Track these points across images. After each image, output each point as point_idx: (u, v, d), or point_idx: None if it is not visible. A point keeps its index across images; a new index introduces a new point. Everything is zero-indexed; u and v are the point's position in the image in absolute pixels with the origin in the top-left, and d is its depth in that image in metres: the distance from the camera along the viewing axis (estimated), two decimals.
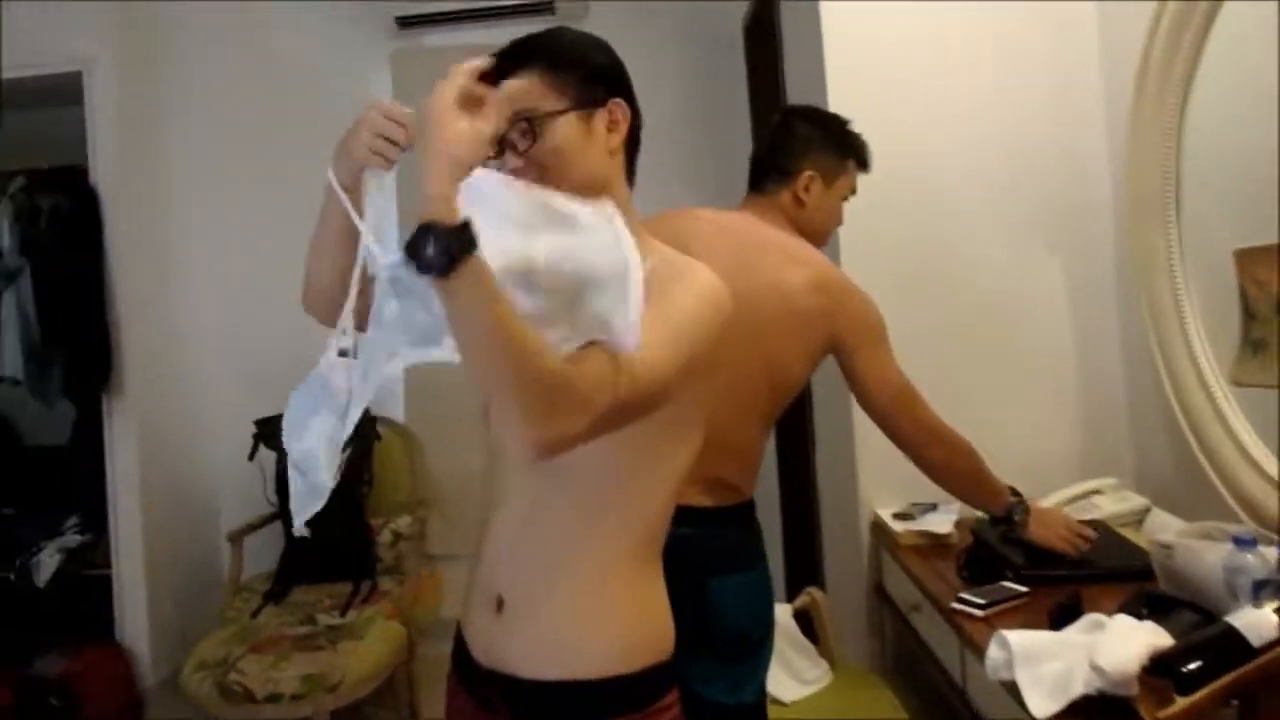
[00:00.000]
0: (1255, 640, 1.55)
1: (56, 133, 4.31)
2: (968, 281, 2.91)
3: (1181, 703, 1.49)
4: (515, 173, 1.42)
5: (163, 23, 4.56)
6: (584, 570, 1.43)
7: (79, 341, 4.04)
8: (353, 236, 1.37)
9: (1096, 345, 2.91)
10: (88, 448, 4.26)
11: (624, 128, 1.48)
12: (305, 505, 1.41)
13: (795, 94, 3.49)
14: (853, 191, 2.39)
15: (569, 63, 1.45)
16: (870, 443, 2.84)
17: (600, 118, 1.45)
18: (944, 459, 2.29)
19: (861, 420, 2.80)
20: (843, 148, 2.35)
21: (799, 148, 2.32)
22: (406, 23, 4.60)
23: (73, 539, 4.32)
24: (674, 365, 1.33)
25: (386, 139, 1.36)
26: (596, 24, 4.40)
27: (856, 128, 2.39)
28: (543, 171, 1.41)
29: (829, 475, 3.41)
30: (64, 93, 4.17)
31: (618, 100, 1.47)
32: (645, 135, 1.53)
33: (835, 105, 2.86)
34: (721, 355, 1.42)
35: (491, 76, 1.39)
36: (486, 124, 1.23)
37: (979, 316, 2.92)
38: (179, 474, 4.46)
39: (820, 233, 2.34)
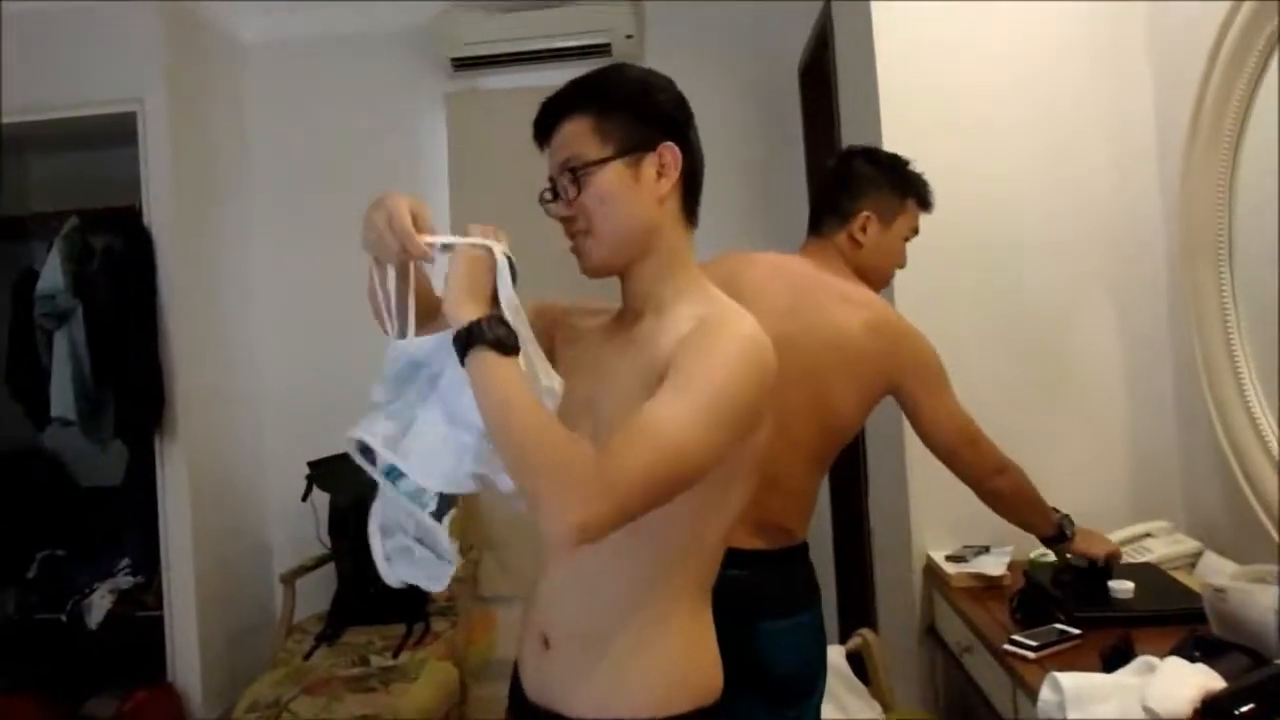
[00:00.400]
0: None
1: (110, 173, 4.38)
2: (1022, 324, 2.95)
3: None
4: (564, 220, 1.48)
5: (216, 63, 4.63)
6: (631, 612, 1.44)
7: (131, 382, 4.06)
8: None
9: (1149, 387, 2.93)
10: (140, 489, 4.27)
11: (675, 173, 1.47)
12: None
13: (850, 137, 3.52)
14: (915, 231, 2.39)
15: (619, 106, 1.46)
16: (923, 485, 2.91)
17: (649, 163, 1.46)
18: (1009, 488, 2.32)
19: (915, 462, 2.87)
20: (901, 186, 2.35)
21: (856, 187, 2.33)
22: (462, 64, 4.61)
23: (125, 580, 4.35)
24: (713, 437, 1.32)
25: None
26: (652, 67, 4.52)
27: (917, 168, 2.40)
28: (589, 219, 1.45)
29: (882, 517, 3.45)
30: (117, 133, 4.22)
31: (669, 144, 1.47)
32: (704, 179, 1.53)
33: (888, 146, 2.92)
34: (771, 402, 1.42)
35: (546, 119, 1.48)
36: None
37: (1033, 359, 2.95)
38: (231, 515, 4.49)
39: (880, 272, 2.36)
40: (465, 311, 1.35)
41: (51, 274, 4.02)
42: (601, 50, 4.53)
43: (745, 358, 1.36)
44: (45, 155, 4.89)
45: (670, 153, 1.47)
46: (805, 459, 2.17)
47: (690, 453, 1.29)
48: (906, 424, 2.83)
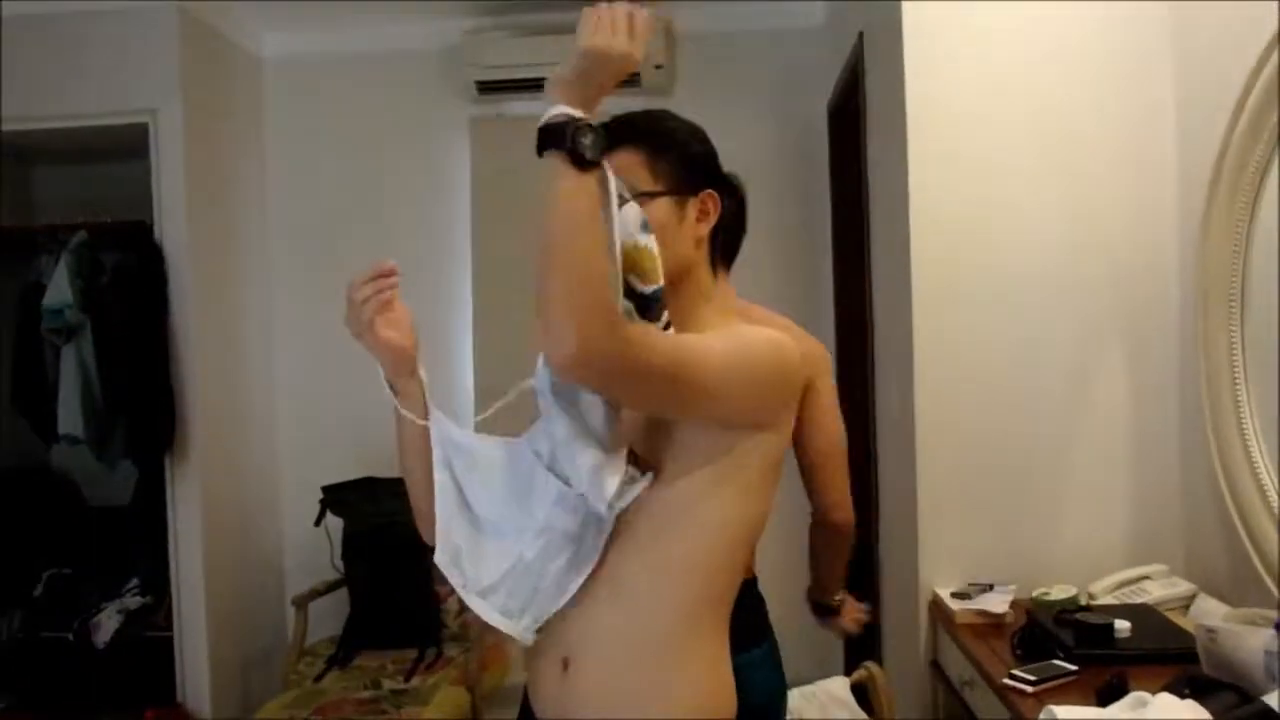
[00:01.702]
0: None
1: (120, 187, 4.41)
2: (1033, 365, 3.05)
3: None
4: None
5: (234, 78, 4.69)
6: (649, 632, 1.48)
7: (142, 402, 4.09)
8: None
9: (1155, 433, 3.03)
10: (150, 509, 4.33)
11: (714, 218, 1.57)
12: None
13: (876, 176, 3.67)
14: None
15: (669, 147, 1.54)
16: (932, 523, 3.05)
17: (693, 205, 1.55)
18: (846, 528, 2.57)
19: (925, 501, 3.03)
20: None
21: None
22: (486, 88, 4.70)
23: (133, 600, 4.41)
24: (727, 379, 1.41)
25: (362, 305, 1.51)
26: (682, 99, 4.73)
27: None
28: None
29: (890, 554, 3.59)
30: (128, 145, 4.25)
31: (710, 191, 1.57)
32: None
33: (914, 188, 3.07)
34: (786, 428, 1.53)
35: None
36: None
37: (1043, 399, 3.05)
38: (243, 538, 4.55)
39: None
40: (558, 95, 1.31)
41: (59, 288, 4.05)
42: (631, 80, 4.51)
43: (771, 342, 1.49)
44: (52, 166, 4.90)
45: (712, 200, 1.57)
46: None
47: (701, 373, 1.38)
48: (920, 464, 3.01)
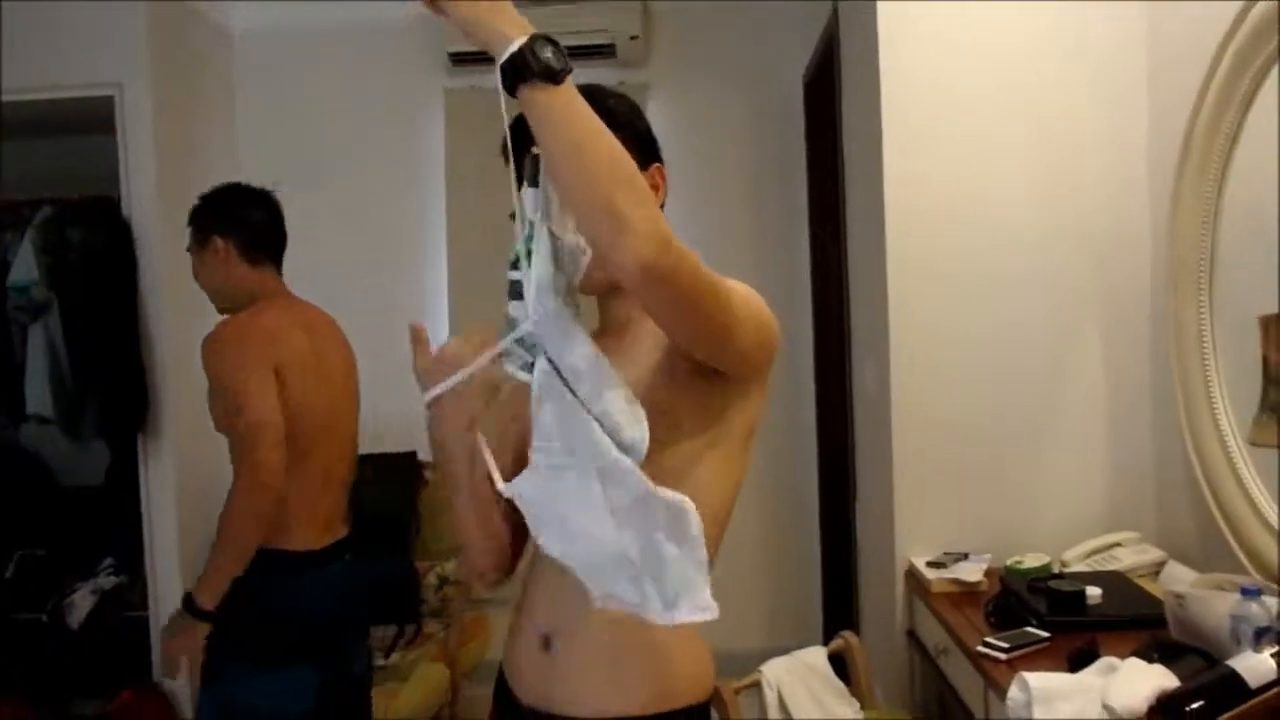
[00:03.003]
0: (1253, 682, 1.74)
1: (87, 162, 4.31)
2: (1009, 341, 3.12)
3: None
4: None
5: (203, 50, 4.62)
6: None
7: (112, 380, 4.04)
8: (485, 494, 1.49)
9: (1127, 405, 3.11)
10: (122, 488, 4.30)
11: (663, 193, 1.53)
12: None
13: (852, 148, 3.72)
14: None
15: (616, 127, 1.35)
16: (907, 494, 3.12)
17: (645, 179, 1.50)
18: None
19: (901, 473, 3.09)
20: None
21: None
22: (461, 60, 4.70)
23: (107, 580, 4.38)
24: (740, 299, 1.39)
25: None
26: (657, 70, 4.73)
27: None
28: None
29: (867, 524, 3.66)
30: (95, 119, 4.15)
31: (659, 164, 1.53)
32: (705, 186, 1.62)
33: (889, 162, 3.12)
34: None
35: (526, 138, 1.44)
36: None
37: (1019, 374, 3.12)
38: (217, 515, 4.47)
39: None
40: (501, 23, 1.22)
41: (24, 264, 4.00)
42: (605, 51, 4.58)
43: (759, 299, 1.46)
44: (17, 140, 4.63)
45: (660, 173, 1.54)
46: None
47: (728, 294, 1.34)
48: (895, 436, 3.07)
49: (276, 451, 2.54)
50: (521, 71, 1.20)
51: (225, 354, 2.66)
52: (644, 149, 1.50)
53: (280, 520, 2.60)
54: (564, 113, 1.21)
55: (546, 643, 1.54)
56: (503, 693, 1.63)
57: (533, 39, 1.20)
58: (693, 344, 1.41)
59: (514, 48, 1.20)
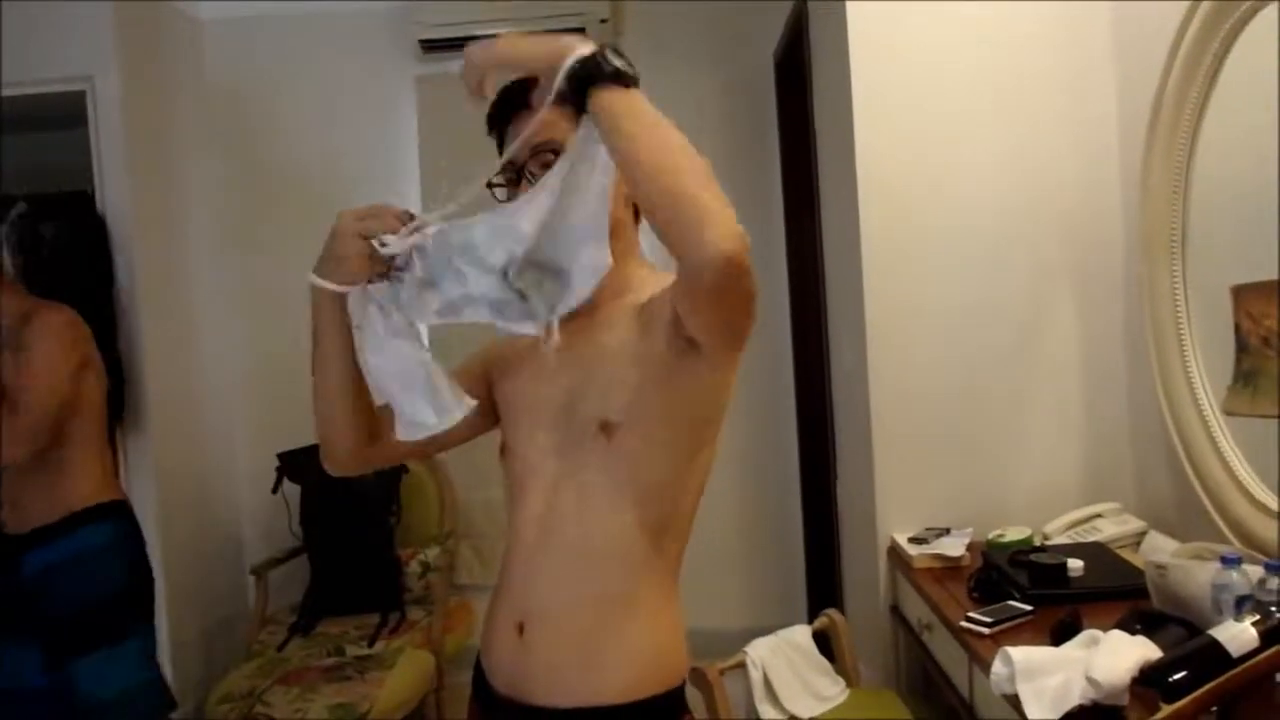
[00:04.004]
0: (1235, 651, 1.74)
1: (61, 157, 4.29)
2: (984, 314, 3.12)
3: (1166, 710, 1.69)
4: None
5: (173, 41, 4.60)
6: (602, 596, 1.50)
7: None
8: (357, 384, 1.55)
9: (1104, 377, 3.12)
10: None
11: None
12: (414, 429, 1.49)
13: (823, 128, 3.70)
14: None
15: None
16: (888, 471, 3.12)
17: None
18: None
19: (881, 450, 3.09)
20: None
21: None
22: (431, 47, 4.64)
23: None
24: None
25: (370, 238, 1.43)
26: (627, 51, 4.65)
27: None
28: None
29: (849, 502, 3.65)
30: (67, 113, 4.15)
31: None
32: None
33: (860, 138, 3.12)
34: None
35: (513, 104, 1.48)
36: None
37: (995, 346, 3.13)
38: (199, 508, 4.52)
39: None
40: (557, 41, 1.32)
41: None
42: (575, 34, 4.51)
43: None
44: None
45: None
46: None
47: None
48: (874, 413, 3.08)
49: None
50: (594, 75, 1.27)
51: None
52: None
53: None
54: (644, 114, 1.26)
55: (520, 629, 1.54)
56: (480, 682, 1.64)
57: (603, 47, 1.28)
58: (719, 332, 1.40)
59: (584, 53, 1.28)
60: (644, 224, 1.54)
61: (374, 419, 1.61)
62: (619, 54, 1.29)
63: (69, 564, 2.83)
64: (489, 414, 1.69)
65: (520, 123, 1.47)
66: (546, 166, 1.43)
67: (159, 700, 3.02)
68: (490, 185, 1.55)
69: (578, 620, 1.51)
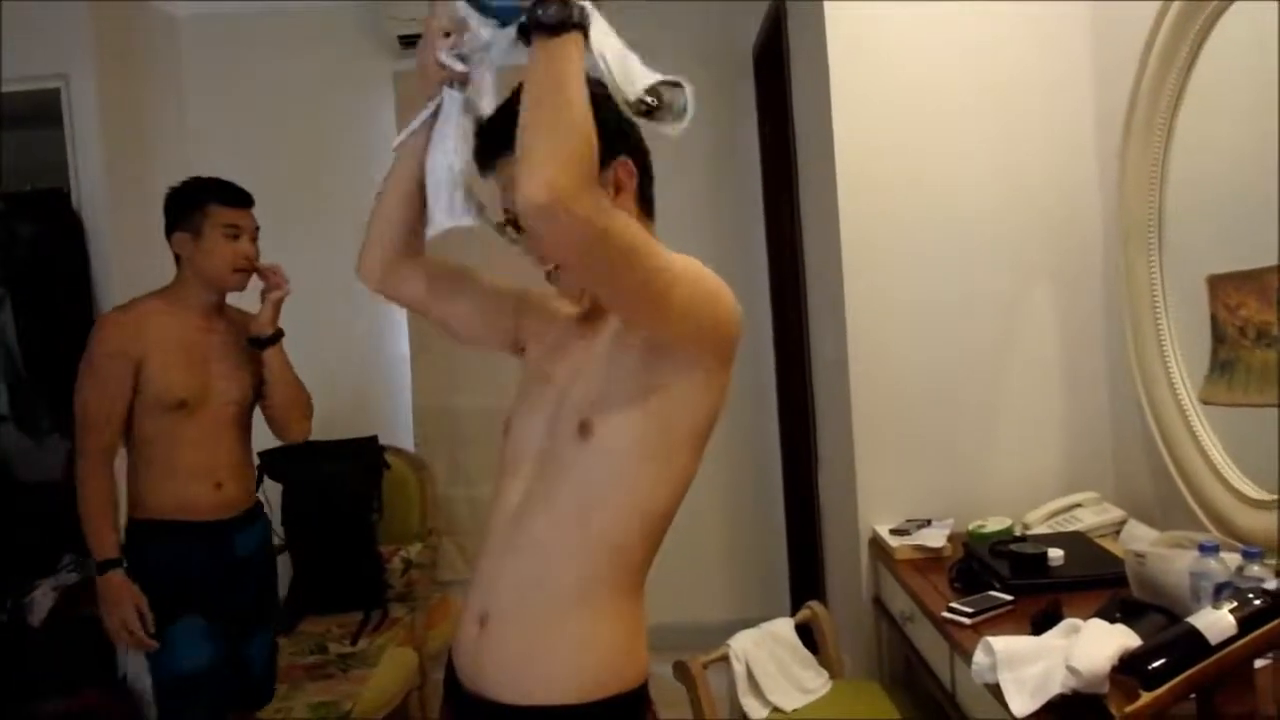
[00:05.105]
0: (1214, 639, 1.72)
1: (36, 155, 4.25)
2: (964, 306, 3.13)
3: (1146, 698, 1.69)
4: (535, 258, 1.54)
5: (149, 38, 4.57)
6: (560, 594, 1.50)
7: (67, 375, 3.71)
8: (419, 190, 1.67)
9: (1083, 367, 3.13)
10: None
11: (632, 185, 1.51)
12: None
13: (802, 119, 3.71)
14: (235, 226, 2.88)
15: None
16: (868, 463, 3.13)
17: (606, 181, 1.47)
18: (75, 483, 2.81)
19: (861, 442, 3.10)
20: (194, 200, 2.86)
21: (168, 224, 2.91)
22: (409, 42, 4.60)
23: (68, 577, 4.29)
24: (681, 272, 1.40)
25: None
26: None
27: (205, 178, 2.93)
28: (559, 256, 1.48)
29: (830, 495, 3.66)
30: (43, 111, 4.09)
31: (622, 159, 1.50)
32: (658, 162, 1.60)
33: (839, 133, 3.12)
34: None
35: (499, 147, 1.50)
36: None
37: (975, 338, 3.14)
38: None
39: (213, 274, 2.89)
40: None
41: None
42: None
43: (724, 289, 1.48)
44: None
45: (625, 168, 1.51)
46: None
47: (654, 263, 1.38)
48: (855, 405, 3.08)
49: None
50: (537, 24, 1.32)
51: None
52: (604, 146, 1.41)
53: None
54: (550, 67, 1.31)
55: (482, 621, 1.55)
56: (450, 678, 1.64)
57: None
58: (619, 308, 1.47)
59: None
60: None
61: (415, 235, 1.75)
62: (563, 3, 1.33)
63: (262, 545, 3.08)
64: (506, 335, 1.79)
65: (501, 173, 1.53)
66: None
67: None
68: (499, 227, 1.61)
69: (535, 618, 1.51)
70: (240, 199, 2.90)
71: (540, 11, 1.31)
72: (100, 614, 2.90)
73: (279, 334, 2.96)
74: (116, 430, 2.81)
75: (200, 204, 2.84)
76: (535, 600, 1.51)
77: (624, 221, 1.36)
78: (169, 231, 2.90)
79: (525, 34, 1.35)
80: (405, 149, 1.70)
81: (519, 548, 1.54)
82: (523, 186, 1.25)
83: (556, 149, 1.25)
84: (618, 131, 1.50)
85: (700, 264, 1.46)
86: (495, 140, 1.52)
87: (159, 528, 2.86)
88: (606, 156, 1.43)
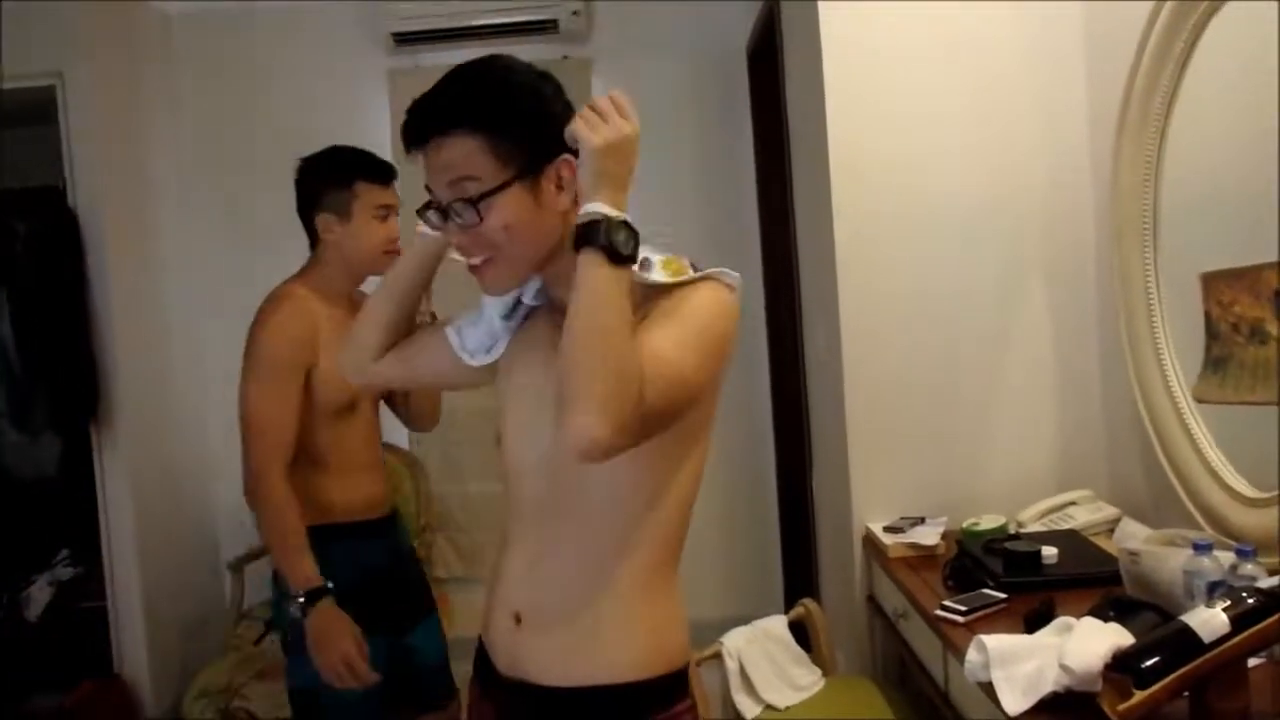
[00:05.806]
0: (1207, 637, 1.72)
1: (32, 152, 4.26)
2: (958, 304, 3.12)
3: (1139, 696, 1.68)
4: (461, 249, 1.49)
5: (143, 35, 4.57)
6: (600, 589, 1.50)
7: (62, 371, 4.01)
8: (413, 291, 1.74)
9: (1077, 365, 3.12)
10: (77, 479, 4.25)
11: (575, 183, 1.42)
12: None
13: (796, 119, 3.70)
14: (388, 206, 2.69)
15: (515, 122, 1.40)
16: (862, 460, 3.12)
17: (548, 178, 1.43)
18: (260, 507, 2.52)
19: (855, 439, 3.09)
20: (340, 178, 2.63)
21: (306, 203, 2.65)
22: (403, 40, 4.64)
23: (64, 571, 4.34)
24: (694, 367, 1.38)
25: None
26: (600, 44, 4.70)
27: (346, 149, 2.71)
28: (494, 247, 1.44)
29: (824, 492, 3.65)
30: (38, 109, 4.11)
31: (566, 158, 1.42)
32: (650, 155, 1.54)
33: (833, 131, 3.10)
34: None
35: (425, 129, 1.44)
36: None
37: (969, 336, 3.13)
38: (175, 503, 4.50)
39: (362, 259, 2.66)
40: (597, 198, 1.36)
41: None
42: (548, 27, 4.54)
43: (720, 304, 1.45)
44: None
45: (568, 166, 1.43)
46: None
47: (691, 378, 1.38)
48: (849, 403, 3.07)
49: None
50: (589, 237, 1.33)
51: None
52: (543, 142, 1.43)
53: None
54: (598, 293, 1.32)
55: (517, 619, 1.56)
56: (482, 663, 1.66)
57: (615, 218, 1.33)
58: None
59: (595, 211, 1.34)
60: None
61: (402, 336, 1.78)
62: (629, 229, 1.34)
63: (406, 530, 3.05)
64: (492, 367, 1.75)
65: (433, 155, 1.45)
66: (463, 198, 1.41)
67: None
68: (420, 212, 1.56)
69: (572, 610, 1.52)
70: (389, 174, 2.70)
71: (615, 237, 1.33)
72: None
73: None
74: (294, 441, 2.55)
75: (347, 183, 2.62)
76: (571, 600, 1.52)
77: (658, 385, 1.33)
78: (307, 210, 2.66)
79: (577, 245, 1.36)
80: (399, 274, 1.76)
81: (551, 547, 1.54)
82: (563, 424, 1.29)
83: (592, 391, 1.27)
84: (557, 126, 1.44)
85: (722, 314, 1.46)
86: (428, 119, 1.45)
87: (340, 531, 2.63)
88: (552, 154, 1.43)
